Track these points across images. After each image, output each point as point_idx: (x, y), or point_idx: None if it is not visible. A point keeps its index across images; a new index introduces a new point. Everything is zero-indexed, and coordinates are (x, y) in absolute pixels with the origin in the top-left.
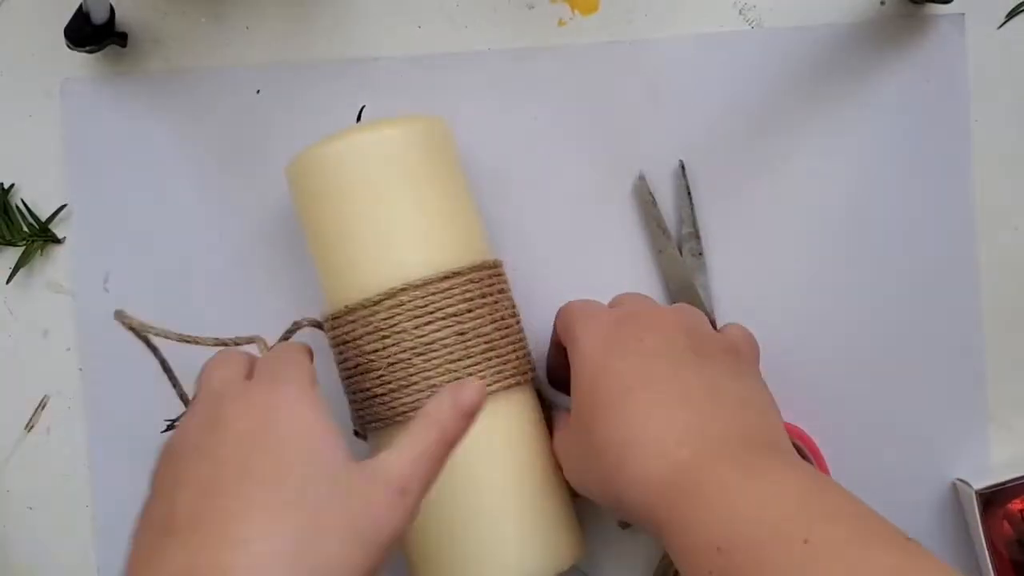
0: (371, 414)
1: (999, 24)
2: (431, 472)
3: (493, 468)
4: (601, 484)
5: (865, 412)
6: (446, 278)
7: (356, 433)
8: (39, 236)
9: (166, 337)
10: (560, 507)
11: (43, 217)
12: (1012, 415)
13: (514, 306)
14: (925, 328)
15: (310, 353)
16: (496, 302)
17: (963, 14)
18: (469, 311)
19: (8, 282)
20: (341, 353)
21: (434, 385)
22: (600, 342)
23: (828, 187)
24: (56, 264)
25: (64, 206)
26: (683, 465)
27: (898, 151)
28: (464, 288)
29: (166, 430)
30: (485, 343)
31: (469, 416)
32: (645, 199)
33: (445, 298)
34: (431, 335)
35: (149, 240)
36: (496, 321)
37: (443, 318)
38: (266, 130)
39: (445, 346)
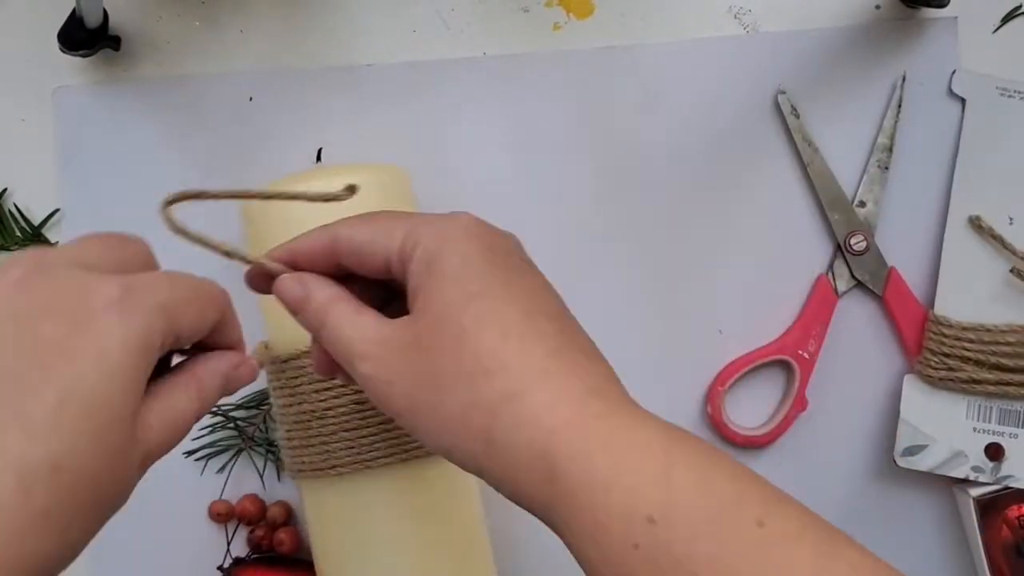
0: (284, 463)
1: (994, 28)
2: (181, 436)
3: (399, 542)
4: (465, 421)
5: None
6: None
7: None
8: (32, 240)
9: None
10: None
11: (36, 221)
12: None
13: None
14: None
15: (224, 299)
16: None
17: (956, 18)
18: None
19: None
20: (274, 393)
21: (330, 450)
22: (480, 250)
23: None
24: None
25: (57, 210)
26: (587, 408)
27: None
28: None
29: None
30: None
31: (231, 392)
32: (789, 112)
33: None
34: (329, 400)
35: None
36: None
37: (342, 384)
38: (259, 136)
39: (342, 413)
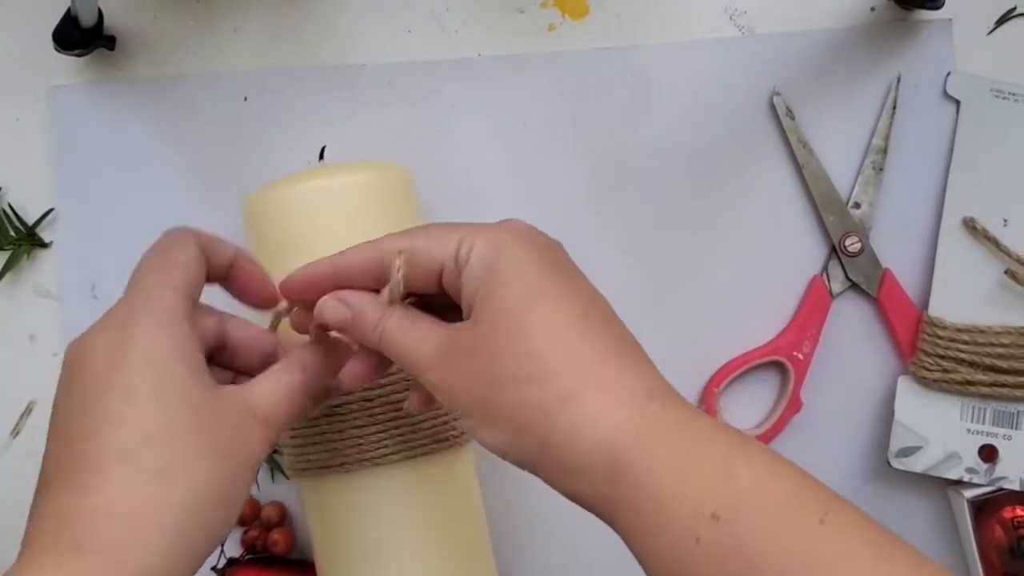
0: (288, 462)
1: (989, 30)
2: (293, 408)
3: (406, 534)
4: (523, 421)
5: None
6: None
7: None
8: (26, 240)
9: None
10: (485, 564)
11: (30, 221)
12: None
13: None
14: None
15: (200, 251)
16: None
17: (951, 20)
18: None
19: None
20: None
21: (336, 447)
22: (535, 256)
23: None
24: (43, 268)
25: (51, 210)
26: (648, 409)
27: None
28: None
29: None
30: (394, 409)
31: (330, 352)
32: (784, 114)
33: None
34: (341, 399)
35: (136, 245)
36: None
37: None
38: (253, 136)
39: (351, 410)
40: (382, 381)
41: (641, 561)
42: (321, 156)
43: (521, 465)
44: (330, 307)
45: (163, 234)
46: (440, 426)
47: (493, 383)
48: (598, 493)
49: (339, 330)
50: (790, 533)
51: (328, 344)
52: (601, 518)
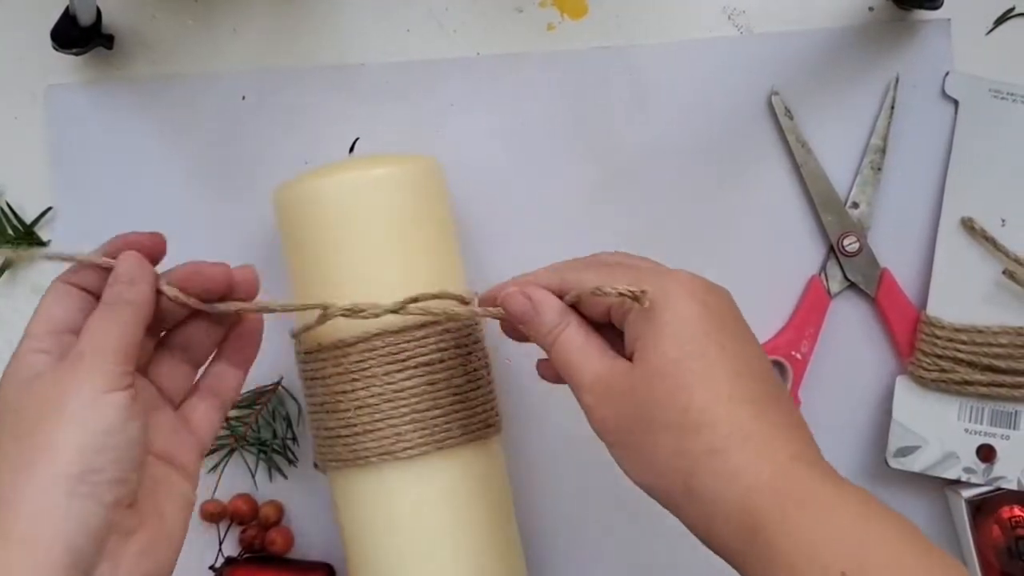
0: (332, 453)
1: (987, 30)
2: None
3: (458, 517)
4: (668, 465)
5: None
6: (422, 326)
7: (315, 465)
8: (24, 239)
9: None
10: (514, 558)
11: (28, 220)
12: None
13: (487, 356)
14: None
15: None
16: (470, 352)
17: (949, 20)
18: (441, 361)
19: None
20: (310, 388)
21: (399, 433)
22: (699, 311)
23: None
24: (41, 267)
25: (49, 209)
26: (788, 470)
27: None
28: (439, 338)
29: None
30: (454, 394)
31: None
32: (783, 113)
33: (419, 346)
34: (400, 382)
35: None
36: (468, 373)
37: (415, 367)
38: (252, 135)
39: (414, 395)
40: (401, 376)
41: None
42: (351, 149)
43: (665, 505)
44: (516, 299)
45: (122, 283)
46: (472, 418)
47: (645, 425)
48: (735, 544)
49: (519, 323)
50: None
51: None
52: (733, 566)
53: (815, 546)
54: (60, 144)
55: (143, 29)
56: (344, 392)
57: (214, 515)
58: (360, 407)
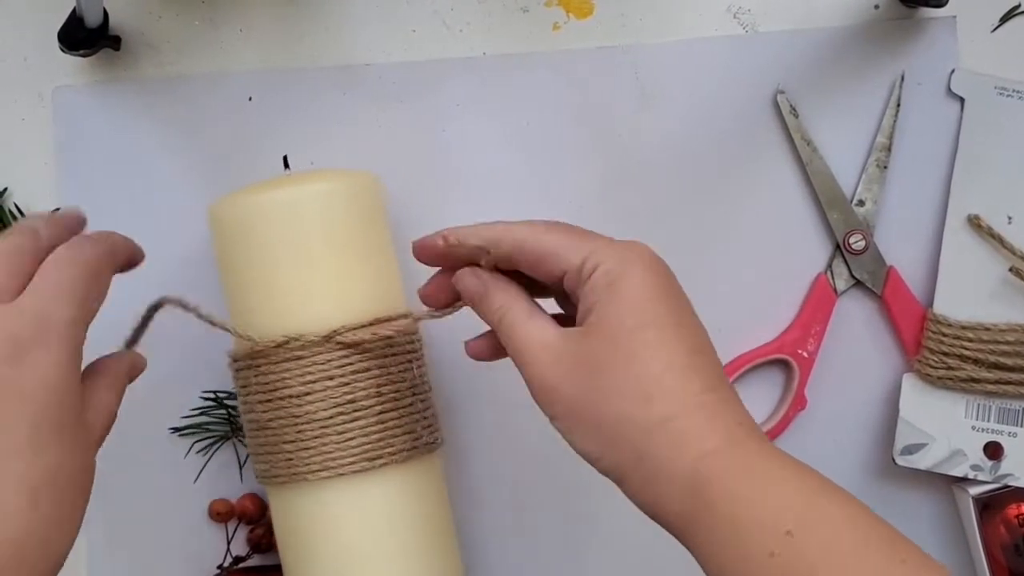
0: (265, 469)
1: (993, 28)
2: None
3: (396, 534)
4: (619, 433)
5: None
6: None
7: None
8: None
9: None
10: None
11: None
12: None
13: (426, 371)
14: None
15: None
16: (407, 368)
17: (955, 17)
18: (377, 376)
19: None
20: (243, 403)
21: (331, 451)
22: (656, 282)
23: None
24: None
25: (56, 210)
26: (740, 440)
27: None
28: (374, 354)
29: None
30: (392, 410)
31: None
32: (788, 112)
33: (348, 363)
34: (331, 399)
35: (140, 245)
36: (406, 388)
37: (348, 383)
38: (258, 136)
39: (344, 413)
40: (343, 390)
41: (715, 575)
42: (286, 165)
43: (608, 473)
44: (468, 280)
45: (77, 244)
46: (408, 435)
47: (597, 394)
48: (678, 507)
49: (469, 303)
50: (859, 550)
51: None
52: (676, 532)
53: (763, 507)
54: (67, 145)
55: (150, 30)
56: (276, 408)
57: (222, 515)
58: (293, 424)
